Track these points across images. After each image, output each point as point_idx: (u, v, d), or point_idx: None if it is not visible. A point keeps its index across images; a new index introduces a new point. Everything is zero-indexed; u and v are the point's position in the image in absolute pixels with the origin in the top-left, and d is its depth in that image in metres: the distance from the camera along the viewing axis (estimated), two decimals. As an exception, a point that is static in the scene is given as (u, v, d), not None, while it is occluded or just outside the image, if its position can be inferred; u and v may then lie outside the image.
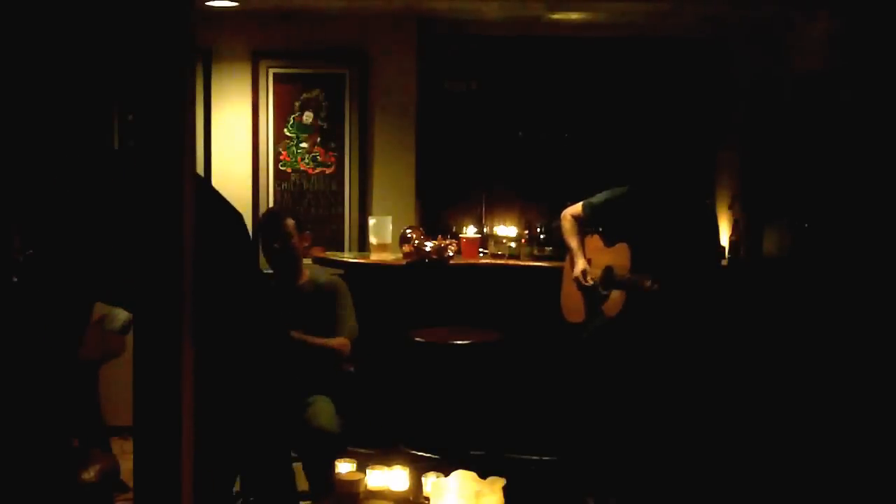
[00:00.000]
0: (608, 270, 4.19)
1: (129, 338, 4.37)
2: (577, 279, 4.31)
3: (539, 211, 6.04)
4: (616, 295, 4.13)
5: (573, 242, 4.41)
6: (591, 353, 4.19)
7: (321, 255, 5.26)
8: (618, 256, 4.17)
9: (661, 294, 3.94)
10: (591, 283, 4.26)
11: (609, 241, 4.31)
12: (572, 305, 4.41)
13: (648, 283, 3.95)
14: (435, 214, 6.00)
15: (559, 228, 4.54)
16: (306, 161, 5.60)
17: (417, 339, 4.50)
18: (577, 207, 4.43)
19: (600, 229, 4.53)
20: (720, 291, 4.39)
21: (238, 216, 3.28)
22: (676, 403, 4.14)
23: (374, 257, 5.15)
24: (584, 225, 4.50)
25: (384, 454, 4.24)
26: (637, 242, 4.11)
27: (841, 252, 4.52)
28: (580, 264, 4.32)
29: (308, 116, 5.59)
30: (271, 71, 5.56)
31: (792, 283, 4.85)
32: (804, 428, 4.39)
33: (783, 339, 4.66)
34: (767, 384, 4.66)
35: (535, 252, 5.54)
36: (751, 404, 4.63)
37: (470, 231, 5.81)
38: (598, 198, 4.36)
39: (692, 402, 4.24)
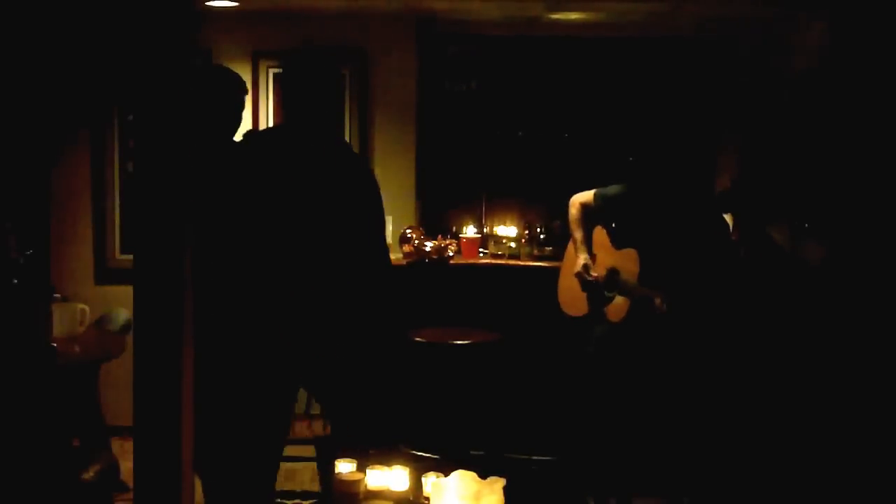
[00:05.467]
0: (613, 273, 4.14)
1: (129, 338, 4.37)
2: (579, 274, 4.24)
3: (539, 211, 6.04)
4: (620, 301, 4.09)
5: (578, 234, 4.31)
6: (597, 365, 4.15)
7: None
8: (625, 261, 4.10)
9: (669, 315, 3.90)
10: (594, 279, 4.19)
11: (617, 243, 4.24)
12: (573, 300, 4.35)
13: (659, 303, 3.90)
14: (435, 214, 6.00)
15: (565, 212, 4.44)
16: (306, 161, 5.59)
17: (417, 339, 4.50)
18: (587, 195, 4.32)
19: (612, 224, 4.50)
20: (728, 305, 4.36)
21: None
22: (679, 403, 4.14)
23: (374, 257, 5.14)
24: (592, 215, 4.39)
25: (384, 454, 4.24)
26: (645, 249, 4.06)
27: (841, 252, 4.52)
28: (582, 258, 4.25)
29: (308, 116, 5.58)
30: (271, 71, 5.55)
31: (792, 283, 4.85)
32: (805, 431, 4.39)
33: (783, 339, 4.65)
34: (768, 384, 4.65)
35: (535, 252, 5.54)
36: (751, 405, 4.63)
37: (470, 231, 5.81)
38: (611, 189, 4.28)
39: (694, 402, 4.24)
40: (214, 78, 3.57)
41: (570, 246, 4.39)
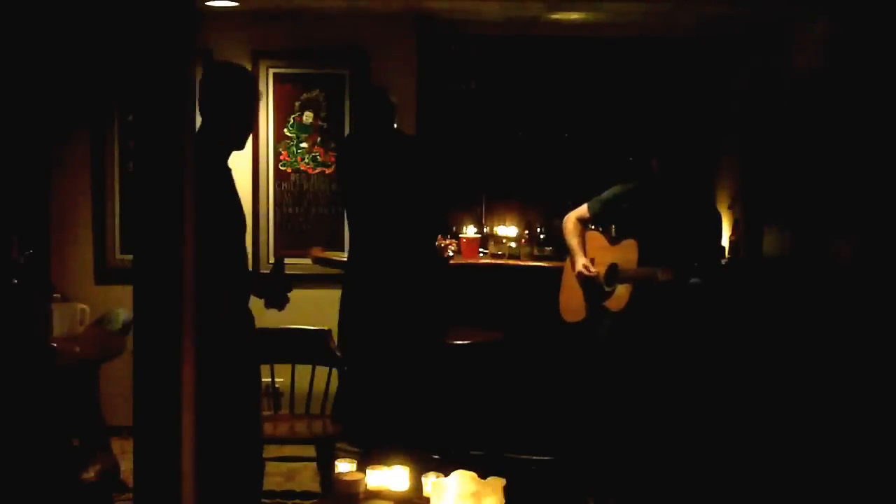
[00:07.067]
0: (612, 267, 4.17)
1: (129, 338, 4.37)
2: (580, 273, 4.26)
3: (539, 211, 6.05)
4: (621, 290, 4.12)
5: (573, 242, 4.36)
6: (608, 352, 4.16)
7: (321, 255, 5.26)
8: (623, 253, 4.14)
9: (671, 284, 3.92)
10: (595, 273, 4.22)
11: (616, 238, 4.28)
12: (572, 305, 4.38)
13: (661, 274, 3.93)
14: (435, 214, 6.00)
15: (560, 230, 4.49)
16: (306, 161, 5.60)
17: (417, 339, 4.49)
18: (581, 209, 4.38)
19: (611, 227, 4.50)
20: (724, 286, 4.38)
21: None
22: (680, 402, 4.14)
23: (374, 257, 5.15)
24: (590, 223, 4.46)
25: (384, 454, 4.24)
26: (645, 239, 4.09)
27: (841, 252, 4.52)
28: (581, 260, 4.28)
29: (308, 116, 5.59)
30: (271, 71, 5.56)
31: (792, 283, 4.85)
32: (804, 427, 4.39)
33: (783, 338, 4.66)
34: (767, 384, 4.66)
35: (535, 252, 5.55)
36: (751, 404, 4.63)
37: (470, 231, 5.82)
38: (606, 194, 4.31)
39: (694, 402, 4.24)
40: (234, 76, 3.50)
41: (568, 259, 4.42)
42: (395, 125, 4.63)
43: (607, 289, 4.19)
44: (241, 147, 3.43)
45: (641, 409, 4.09)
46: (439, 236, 5.23)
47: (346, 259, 5.06)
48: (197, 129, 3.36)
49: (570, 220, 4.40)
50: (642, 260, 4.05)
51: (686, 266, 3.95)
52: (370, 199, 4.49)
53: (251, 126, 3.42)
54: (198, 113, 3.14)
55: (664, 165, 4.15)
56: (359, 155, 4.58)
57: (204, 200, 3.14)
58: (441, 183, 4.76)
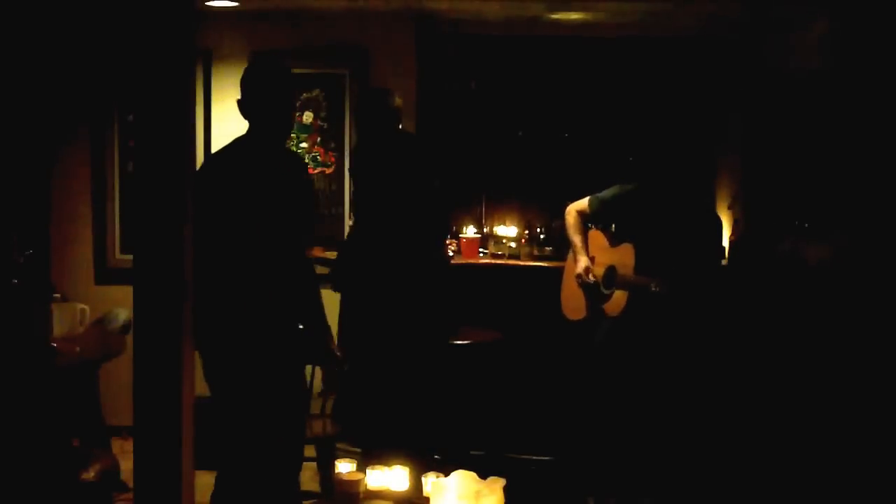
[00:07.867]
0: (611, 270, 4.17)
1: (129, 338, 4.37)
2: (579, 276, 4.27)
3: (539, 211, 6.05)
4: (619, 295, 4.11)
5: (576, 239, 4.35)
6: (604, 357, 4.17)
7: (321, 254, 5.25)
8: (621, 256, 4.14)
9: (665, 297, 3.93)
10: (594, 280, 4.23)
11: (615, 240, 4.28)
12: (573, 303, 4.38)
13: (654, 287, 3.93)
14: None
15: (562, 224, 4.49)
16: (306, 161, 5.60)
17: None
18: (582, 203, 4.37)
19: (611, 226, 4.50)
20: (722, 293, 4.38)
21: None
22: (680, 403, 4.14)
23: (374, 257, 5.15)
24: (589, 220, 4.45)
25: (384, 454, 4.24)
26: (642, 243, 4.09)
27: (843, 253, 4.52)
28: (583, 262, 4.28)
29: (308, 116, 5.59)
30: (271, 71, 5.55)
31: (791, 283, 4.85)
32: (804, 428, 4.39)
33: (783, 338, 4.65)
34: (767, 384, 4.66)
35: (535, 252, 5.55)
36: (751, 404, 4.63)
37: (470, 231, 5.82)
38: (606, 193, 4.31)
39: (694, 402, 4.24)
40: (273, 72, 3.58)
41: (570, 254, 4.42)
42: (401, 126, 4.64)
43: (605, 291, 4.18)
44: (287, 137, 3.77)
45: (640, 412, 4.08)
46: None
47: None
48: (246, 131, 3.42)
49: (572, 214, 4.38)
50: (639, 264, 4.04)
51: (680, 280, 3.93)
52: (379, 201, 4.48)
53: (293, 116, 3.61)
54: (202, 115, 3.18)
55: (663, 168, 4.15)
56: (365, 159, 4.61)
57: (260, 198, 3.26)
58: (445, 182, 4.75)
